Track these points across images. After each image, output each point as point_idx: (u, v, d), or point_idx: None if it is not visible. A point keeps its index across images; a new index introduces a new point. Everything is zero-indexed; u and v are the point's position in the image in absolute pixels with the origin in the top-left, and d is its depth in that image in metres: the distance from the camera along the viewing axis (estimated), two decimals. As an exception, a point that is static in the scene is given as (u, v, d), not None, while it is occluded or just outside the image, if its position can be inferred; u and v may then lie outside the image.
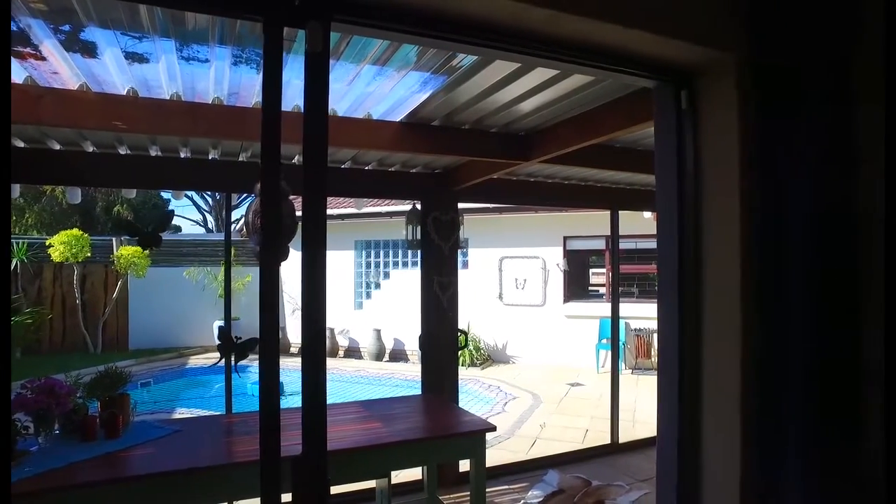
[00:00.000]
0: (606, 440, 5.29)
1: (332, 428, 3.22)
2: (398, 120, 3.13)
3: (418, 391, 4.67)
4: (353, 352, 11.89)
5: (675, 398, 1.92)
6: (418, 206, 4.44)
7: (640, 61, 1.79)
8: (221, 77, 2.47)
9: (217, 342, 1.76)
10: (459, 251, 4.57)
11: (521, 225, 10.62)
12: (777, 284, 1.71)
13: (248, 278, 11.07)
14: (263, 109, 1.33)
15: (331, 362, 11.24)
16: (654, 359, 9.08)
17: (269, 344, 1.33)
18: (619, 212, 5.46)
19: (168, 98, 2.66)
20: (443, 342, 4.42)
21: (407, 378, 9.38)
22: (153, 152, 3.54)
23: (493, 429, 3.28)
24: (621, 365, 9.12)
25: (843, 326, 1.67)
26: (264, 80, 1.34)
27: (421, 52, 2.23)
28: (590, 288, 12.85)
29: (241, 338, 1.62)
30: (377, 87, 2.64)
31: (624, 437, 5.30)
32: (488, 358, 10.84)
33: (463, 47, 1.55)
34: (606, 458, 5.07)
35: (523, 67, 2.36)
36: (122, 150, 3.45)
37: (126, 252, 10.80)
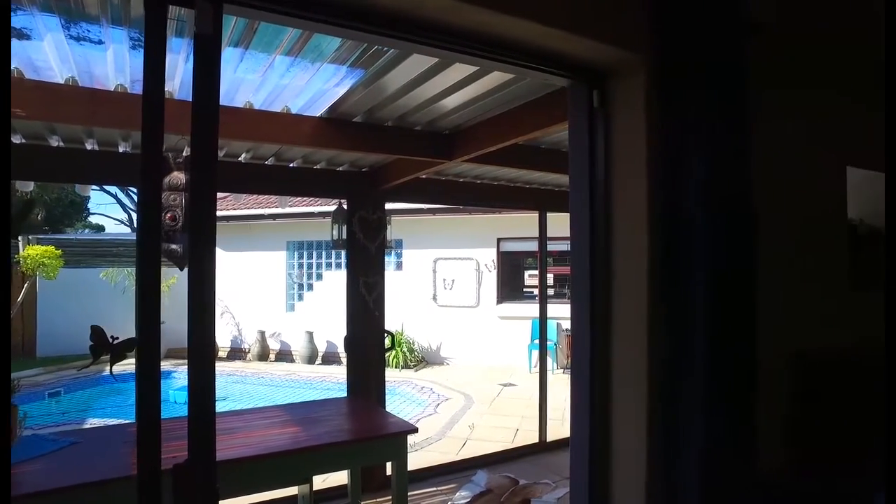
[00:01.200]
0: (536, 439, 5.35)
1: (250, 433, 3.12)
2: (318, 115, 3.03)
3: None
4: (284, 355, 11.56)
5: (586, 396, 1.94)
6: (344, 205, 4.34)
7: (554, 59, 1.79)
8: (122, 62, 2.30)
9: (90, 343, 1.61)
10: (393, 252, 4.52)
11: (455, 226, 10.65)
12: (682, 284, 1.74)
13: (173, 280, 10.57)
14: (144, 96, 1.22)
15: (261, 366, 10.89)
16: (584, 358, 9.28)
17: (148, 347, 1.22)
18: (550, 214, 5.55)
19: (62, 83, 2.46)
20: (369, 343, 4.34)
21: (339, 381, 9.19)
22: (54, 142, 3.28)
23: (415, 430, 3.24)
24: (553, 365, 9.32)
25: (739, 325, 1.73)
26: (145, 65, 1.23)
27: (337, 44, 2.16)
28: (525, 289, 13.05)
29: (117, 338, 1.49)
30: (293, 79, 2.55)
31: (553, 436, 5.38)
32: (422, 359, 10.80)
33: (367, 36, 1.49)
34: (535, 456, 5.13)
35: (443, 63, 2.34)
36: (16, 139, 3.18)
37: (34, 252, 10.05)
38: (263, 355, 11.41)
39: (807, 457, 2.12)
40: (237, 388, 9.49)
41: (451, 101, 2.86)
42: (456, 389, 8.43)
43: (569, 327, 8.53)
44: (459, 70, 2.41)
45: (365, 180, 4.33)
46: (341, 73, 2.49)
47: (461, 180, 4.83)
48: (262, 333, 11.47)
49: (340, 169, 4.22)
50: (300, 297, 11.99)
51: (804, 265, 2.24)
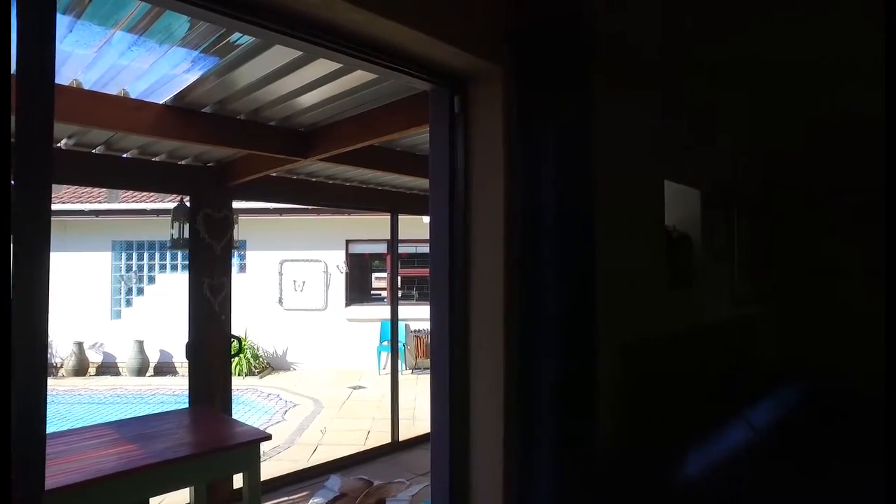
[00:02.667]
0: (388, 439, 5.39)
1: (75, 456, 2.76)
2: (162, 102, 2.79)
3: (187, 405, 4.23)
4: (108, 368, 10.33)
5: (445, 398, 2.00)
6: (187, 202, 4.03)
7: (418, 63, 1.84)
8: None
9: None
10: (235, 253, 4.26)
11: (302, 227, 10.35)
12: (536, 289, 1.85)
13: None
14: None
15: (78, 382, 9.64)
16: (432, 357, 9.54)
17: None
18: (400, 216, 5.63)
19: None
20: (214, 349, 4.07)
21: (175, 393, 8.47)
22: None
23: (268, 437, 3.10)
24: (402, 365, 9.46)
25: (584, 319, 1.91)
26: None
27: (190, 27, 2.01)
28: (372, 291, 13.06)
29: None
30: (135, 59, 2.32)
31: (405, 435, 5.46)
32: (267, 366, 10.33)
33: (231, 21, 1.41)
34: (388, 456, 5.17)
35: (305, 57, 2.28)
36: None
37: None
38: (81, 370, 10.10)
39: (639, 439, 2.40)
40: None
41: (310, 98, 2.81)
42: (304, 395, 8.19)
43: (417, 328, 8.73)
44: (321, 66, 2.38)
45: (211, 176, 4.05)
46: (192, 59, 2.32)
47: (313, 180, 4.73)
48: (80, 345, 10.15)
49: (183, 163, 3.91)
50: (128, 303, 10.82)
51: (633, 265, 2.55)
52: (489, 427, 1.93)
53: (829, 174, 4.51)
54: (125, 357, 10.20)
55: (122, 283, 10.84)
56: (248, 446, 2.99)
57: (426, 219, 7.27)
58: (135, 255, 10.87)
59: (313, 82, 2.58)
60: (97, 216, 9.73)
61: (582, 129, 1.92)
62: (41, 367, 1.14)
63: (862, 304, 4.32)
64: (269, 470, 4.61)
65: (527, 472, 1.83)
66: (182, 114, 2.88)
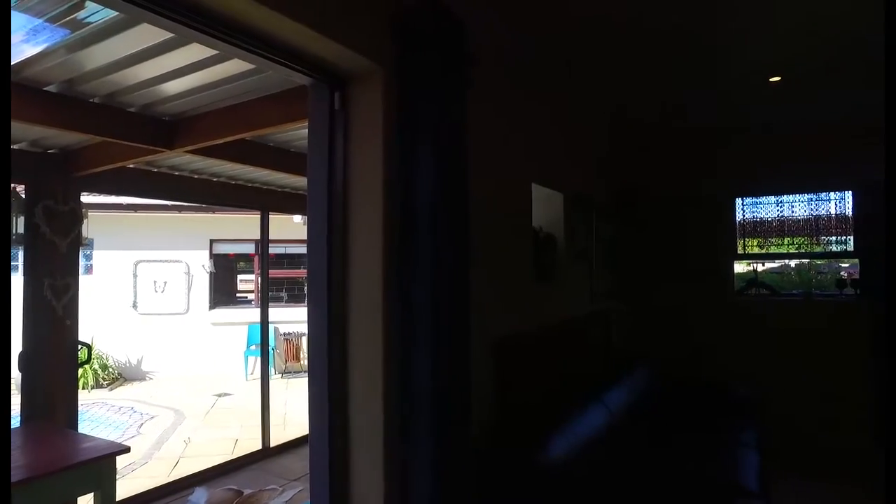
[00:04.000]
0: (258, 446, 5.16)
1: None
2: (-8, 75, 2.45)
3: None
4: None
5: (325, 400, 1.97)
6: (22, 193, 3.57)
7: (300, 56, 1.81)
8: None
9: None
10: (81, 254, 3.85)
11: (161, 225, 9.58)
12: (415, 287, 1.89)
13: None
14: None
15: None
16: (304, 362, 9.29)
17: None
18: (270, 215, 5.43)
19: None
20: (58, 358, 3.64)
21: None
22: None
23: (126, 450, 2.83)
24: (272, 370, 9.09)
25: (458, 314, 1.98)
26: None
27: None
28: (238, 294, 12.41)
29: None
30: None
31: (276, 440, 5.26)
32: (119, 376, 9.40)
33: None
34: (259, 463, 4.94)
35: (174, 41, 2.14)
36: None
37: None
38: None
39: (511, 429, 2.54)
40: None
41: (178, 86, 2.63)
42: (163, 405, 7.58)
43: (287, 331, 8.42)
44: (191, 52, 2.24)
45: (53, 164, 3.63)
46: (34, 28, 2.07)
47: (176, 173, 4.41)
48: None
49: (17, 147, 3.46)
50: (-63, 311, 9.28)
51: (505, 263, 2.69)
52: (370, 427, 1.93)
53: (674, 183, 5.07)
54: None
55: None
56: (101, 462, 2.72)
57: (298, 218, 7.07)
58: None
59: (183, 68, 2.42)
60: None
61: (458, 131, 2.01)
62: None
63: (697, 303, 4.92)
64: (124, 489, 4.22)
65: (408, 469, 1.86)
66: (19, 90, 2.55)
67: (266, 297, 5.48)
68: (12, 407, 3.62)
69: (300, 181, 4.74)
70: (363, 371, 1.95)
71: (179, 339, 9.66)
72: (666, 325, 5.04)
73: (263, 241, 5.42)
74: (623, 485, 2.70)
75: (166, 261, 9.79)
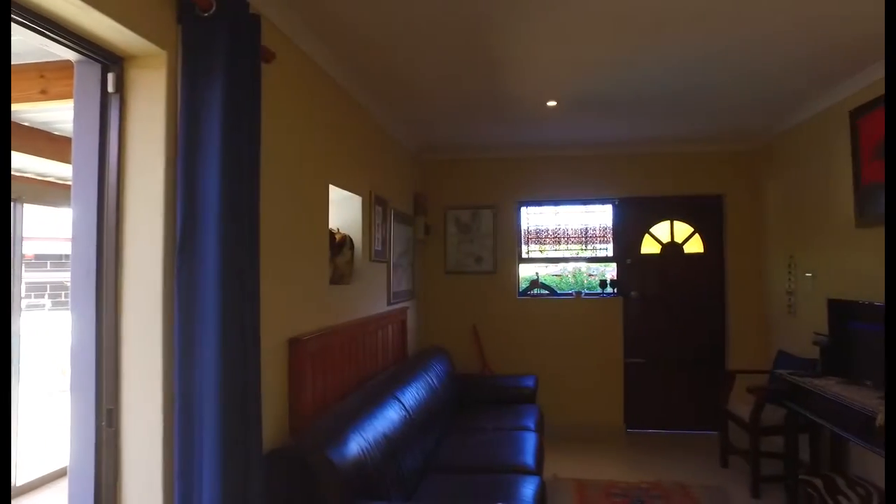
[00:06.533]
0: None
1: None
2: None
3: None
4: None
5: (91, 420, 1.77)
6: None
7: (63, 26, 1.59)
8: None
9: None
10: None
11: None
12: (199, 288, 1.78)
13: None
14: None
15: None
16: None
17: None
18: (27, 206, 4.62)
19: None
20: None
21: None
22: None
23: None
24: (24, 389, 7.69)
25: (247, 315, 1.92)
26: None
27: None
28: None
29: None
30: None
31: (25, 478, 4.48)
32: None
33: None
34: None
35: None
36: None
37: None
38: None
39: (308, 429, 2.50)
40: None
41: None
42: None
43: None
44: None
45: None
46: None
47: None
48: None
49: None
50: None
51: (298, 262, 2.66)
52: (148, 439, 1.77)
53: (461, 194, 5.45)
54: None
55: None
56: None
57: (65, 211, 6.06)
58: None
59: None
60: None
61: (249, 125, 1.94)
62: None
63: (487, 302, 5.36)
64: None
65: (192, 477, 1.74)
66: None
67: (17, 306, 4.64)
68: None
69: (69, 169, 4.12)
70: (139, 379, 1.78)
71: None
72: (459, 322, 5.41)
73: (14, 239, 4.59)
74: (421, 474, 2.85)
75: None
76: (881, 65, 3.10)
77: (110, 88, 1.82)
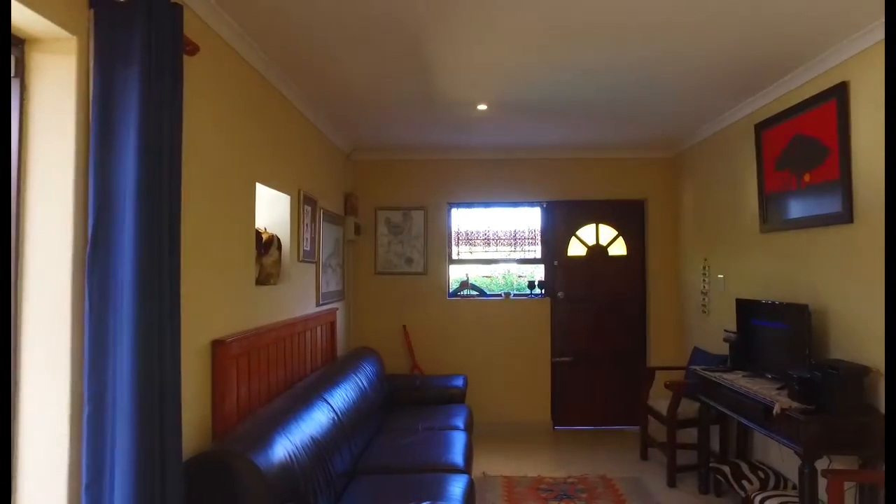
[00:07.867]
0: None
1: None
2: None
3: None
4: None
5: None
6: None
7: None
8: None
9: None
10: None
11: None
12: (111, 288, 1.69)
13: None
14: None
15: None
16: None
17: None
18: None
19: None
20: None
21: None
22: None
23: None
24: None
25: (167, 331, 1.84)
26: None
27: None
28: None
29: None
30: None
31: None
32: None
33: None
34: None
35: None
36: None
37: None
38: None
39: (235, 434, 2.42)
40: None
41: None
42: None
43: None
44: None
45: None
46: None
47: None
48: None
49: None
50: None
51: (222, 261, 2.57)
52: (54, 449, 1.65)
53: (390, 194, 5.45)
54: None
55: None
56: None
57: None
58: None
59: None
60: None
61: (168, 118, 1.86)
62: None
63: (417, 301, 5.36)
64: None
65: (103, 484, 1.65)
66: None
67: None
68: None
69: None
70: (42, 384, 1.66)
71: None
72: (389, 323, 5.39)
73: None
74: (350, 476, 2.81)
75: None
76: (784, 82, 3.36)
77: (11, 73, 1.69)
